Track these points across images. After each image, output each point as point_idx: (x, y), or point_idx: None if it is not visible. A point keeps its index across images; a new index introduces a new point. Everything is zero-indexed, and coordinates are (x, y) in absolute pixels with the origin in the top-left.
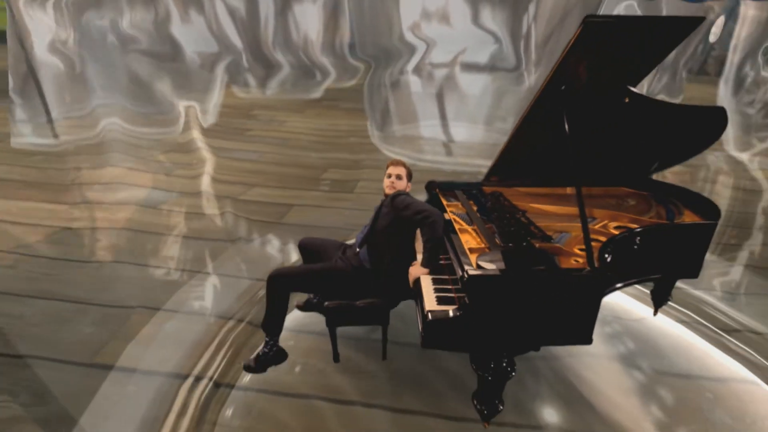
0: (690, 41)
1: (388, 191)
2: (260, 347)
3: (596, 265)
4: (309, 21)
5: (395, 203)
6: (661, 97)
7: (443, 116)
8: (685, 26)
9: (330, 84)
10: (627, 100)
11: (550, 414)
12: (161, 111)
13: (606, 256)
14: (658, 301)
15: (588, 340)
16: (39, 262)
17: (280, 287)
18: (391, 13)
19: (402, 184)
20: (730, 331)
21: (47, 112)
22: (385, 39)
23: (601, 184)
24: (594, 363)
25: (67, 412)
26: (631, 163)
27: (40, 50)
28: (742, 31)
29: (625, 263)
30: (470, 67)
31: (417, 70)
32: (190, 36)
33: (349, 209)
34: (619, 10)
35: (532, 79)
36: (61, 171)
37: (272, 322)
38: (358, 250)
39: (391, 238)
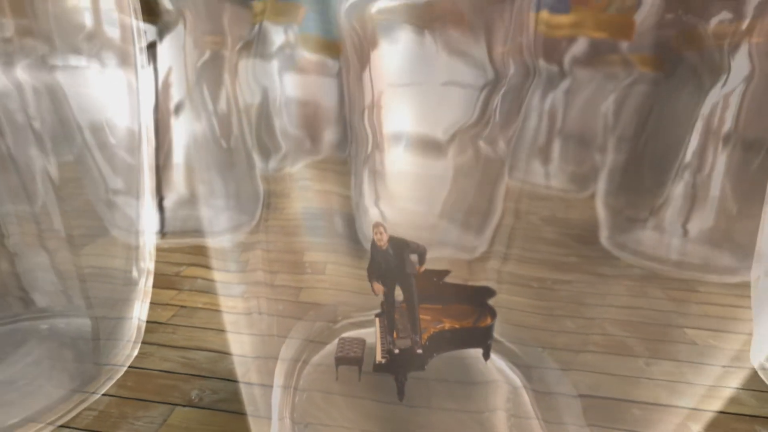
0: None
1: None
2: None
3: (421, 345)
4: None
5: None
6: None
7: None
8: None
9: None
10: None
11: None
12: None
13: (427, 342)
14: (485, 356)
15: (423, 369)
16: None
17: None
18: None
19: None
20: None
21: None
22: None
23: (455, 303)
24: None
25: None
26: (465, 298)
27: None
28: None
29: (437, 345)
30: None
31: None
32: None
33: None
34: None
35: None
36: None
37: None
38: None
39: None
